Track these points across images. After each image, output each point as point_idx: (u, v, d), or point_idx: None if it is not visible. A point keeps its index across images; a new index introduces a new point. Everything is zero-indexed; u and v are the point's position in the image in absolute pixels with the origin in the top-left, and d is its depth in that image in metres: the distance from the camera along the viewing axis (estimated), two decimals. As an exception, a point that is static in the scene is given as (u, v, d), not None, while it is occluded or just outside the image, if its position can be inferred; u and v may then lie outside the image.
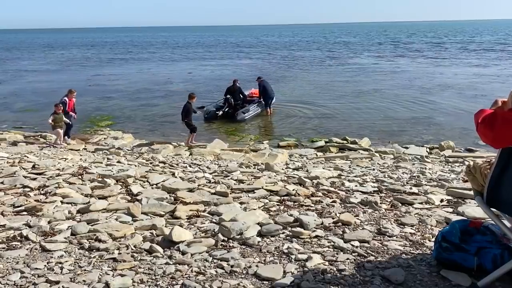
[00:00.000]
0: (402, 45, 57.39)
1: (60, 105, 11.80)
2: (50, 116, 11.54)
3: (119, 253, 3.26)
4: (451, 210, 4.15)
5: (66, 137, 11.92)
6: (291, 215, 3.96)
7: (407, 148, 10.71)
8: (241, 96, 15.82)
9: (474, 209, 3.92)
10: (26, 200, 4.85)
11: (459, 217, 3.74)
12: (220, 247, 3.30)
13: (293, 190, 5.05)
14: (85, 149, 11.07)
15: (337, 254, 3.07)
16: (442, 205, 4.38)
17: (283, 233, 3.53)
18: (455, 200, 4.55)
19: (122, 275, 2.87)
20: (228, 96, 15.41)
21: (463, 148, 10.91)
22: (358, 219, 3.84)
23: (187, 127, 11.98)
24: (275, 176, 6.39)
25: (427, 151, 10.33)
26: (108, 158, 8.92)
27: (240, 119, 14.75)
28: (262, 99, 16.04)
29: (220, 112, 15.19)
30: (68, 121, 11.90)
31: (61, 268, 3.02)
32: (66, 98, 12.05)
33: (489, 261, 2.55)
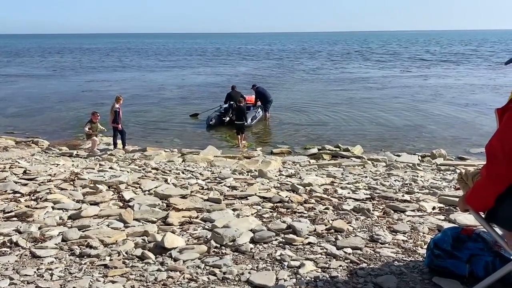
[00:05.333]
0: (392, 54, 57.85)
1: (97, 113, 11.74)
2: (86, 124, 11.48)
3: (111, 260, 3.23)
4: (443, 217, 4.17)
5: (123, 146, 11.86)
6: (284, 221, 3.95)
7: (399, 156, 10.77)
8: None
9: (465, 217, 3.94)
10: (17, 206, 4.80)
11: (451, 225, 3.76)
12: (213, 253, 3.29)
13: (286, 196, 5.05)
14: (77, 155, 11.01)
15: (329, 261, 3.07)
16: (434, 213, 4.39)
17: (276, 240, 3.52)
18: (447, 207, 4.57)
19: (113, 282, 2.84)
20: (232, 102, 15.40)
21: (454, 156, 10.99)
22: (350, 226, 3.84)
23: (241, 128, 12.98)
24: (268, 183, 6.39)
25: (419, 159, 10.39)
26: (100, 164, 8.87)
27: (248, 124, 14.77)
28: (261, 104, 16.14)
29: (227, 119, 15.16)
30: (103, 128, 11.88)
31: (51, 275, 2.98)
32: (118, 106, 11.77)
33: (481, 268, 2.56)
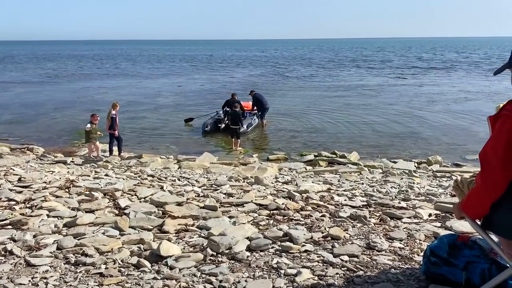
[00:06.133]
0: (386, 61, 58.08)
1: (97, 115, 11.65)
2: (87, 124, 11.40)
3: (106, 268, 3.20)
4: (439, 224, 4.17)
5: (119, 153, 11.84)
6: (280, 229, 3.95)
7: (395, 162, 10.78)
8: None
9: (462, 224, 3.94)
10: (11, 214, 4.76)
11: (447, 232, 3.76)
12: (209, 262, 3.27)
13: (283, 204, 5.04)
14: (72, 161, 10.95)
15: (326, 268, 3.06)
16: (430, 220, 4.40)
17: (273, 247, 3.51)
18: (443, 214, 4.57)
19: (108, 291, 2.82)
20: (228, 109, 15.43)
21: (450, 162, 11.02)
22: (347, 233, 3.83)
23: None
24: (264, 189, 6.38)
25: (415, 166, 10.41)
26: (96, 171, 8.83)
27: (243, 131, 14.82)
28: (257, 111, 16.20)
29: (223, 125, 15.17)
30: (100, 133, 11.81)
31: (46, 284, 2.95)
32: (114, 112, 11.73)
33: (477, 275, 2.56)
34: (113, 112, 11.69)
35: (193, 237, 3.91)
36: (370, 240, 3.59)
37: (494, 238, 2.48)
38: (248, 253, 3.38)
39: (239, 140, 13.41)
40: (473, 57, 63.83)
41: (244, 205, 5.13)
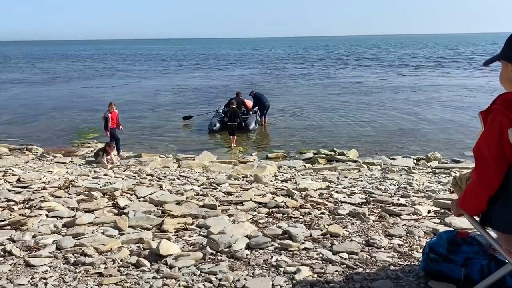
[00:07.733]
0: (383, 59, 58.06)
1: (113, 145, 11.38)
2: (103, 157, 10.84)
3: (105, 268, 3.20)
4: (438, 221, 4.18)
5: (117, 153, 11.75)
6: (279, 227, 3.95)
7: (394, 159, 10.80)
8: (243, 108, 15.76)
9: (461, 220, 3.94)
10: (10, 214, 4.75)
11: (446, 228, 3.77)
12: (208, 260, 3.27)
13: (282, 202, 5.04)
14: (71, 161, 10.95)
15: (325, 266, 3.06)
16: (429, 216, 4.40)
17: (272, 245, 3.51)
18: (442, 211, 4.58)
19: (108, 290, 2.82)
20: (227, 108, 15.42)
21: (449, 159, 11.05)
22: (346, 230, 3.84)
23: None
24: (263, 188, 6.38)
25: (414, 162, 10.43)
26: (95, 171, 8.83)
27: (252, 129, 14.91)
28: (258, 109, 16.26)
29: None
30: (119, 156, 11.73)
31: (46, 284, 2.95)
32: (108, 114, 11.78)
33: (476, 271, 2.57)
34: (108, 113, 11.72)
35: (192, 236, 3.91)
36: (369, 237, 3.60)
37: (493, 234, 2.48)
38: (247, 251, 3.38)
39: (235, 137, 13.62)
40: (468, 53, 63.84)
41: (244, 203, 5.13)
